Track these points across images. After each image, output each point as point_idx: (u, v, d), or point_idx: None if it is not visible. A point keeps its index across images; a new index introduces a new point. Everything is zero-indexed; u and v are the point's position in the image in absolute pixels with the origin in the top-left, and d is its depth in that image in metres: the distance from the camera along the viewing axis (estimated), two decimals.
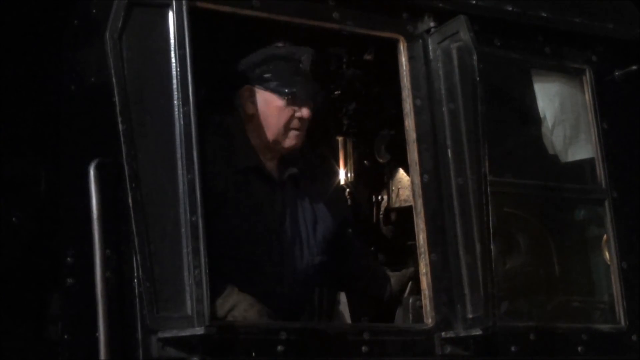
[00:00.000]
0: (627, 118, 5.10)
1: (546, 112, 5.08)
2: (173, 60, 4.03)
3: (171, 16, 4.04)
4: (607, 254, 4.98)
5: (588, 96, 5.05)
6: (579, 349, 4.75)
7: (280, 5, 4.37)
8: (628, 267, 4.91)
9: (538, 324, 4.73)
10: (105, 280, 3.86)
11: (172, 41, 4.03)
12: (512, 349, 4.58)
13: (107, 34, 3.95)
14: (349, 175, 6.02)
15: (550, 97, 5.08)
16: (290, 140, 4.67)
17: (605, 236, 5.00)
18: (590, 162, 5.03)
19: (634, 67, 5.14)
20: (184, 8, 4.04)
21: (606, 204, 4.97)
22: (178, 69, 4.02)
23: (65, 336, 3.84)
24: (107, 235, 3.89)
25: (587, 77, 5.04)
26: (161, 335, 3.92)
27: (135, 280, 3.93)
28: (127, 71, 3.96)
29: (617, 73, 5.12)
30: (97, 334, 3.83)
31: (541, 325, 4.73)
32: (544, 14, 4.95)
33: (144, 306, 3.90)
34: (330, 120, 5.98)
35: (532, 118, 5.05)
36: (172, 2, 4.04)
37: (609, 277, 4.96)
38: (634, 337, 4.89)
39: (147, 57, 4.01)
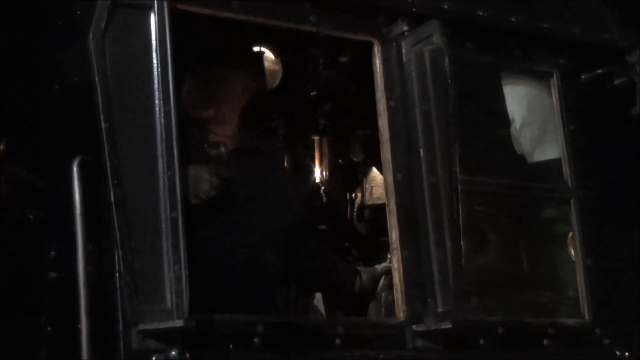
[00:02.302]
0: (593, 120, 5.12)
1: (515, 114, 5.10)
2: (154, 60, 4.01)
3: (153, 17, 4.03)
4: (572, 251, 4.99)
5: (555, 98, 5.05)
6: (545, 342, 4.76)
7: (258, 7, 4.35)
8: (593, 264, 4.93)
9: (506, 318, 4.73)
10: (87, 274, 3.84)
11: (153, 42, 4.02)
12: (481, 342, 4.58)
13: (91, 34, 3.94)
14: (324, 173, 6.04)
15: (519, 99, 5.10)
16: None
17: (571, 233, 5.00)
18: (557, 162, 5.04)
19: (600, 71, 5.15)
20: (165, 10, 4.03)
21: (572, 202, 4.98)
22: (159, 69, 4.01)
23: (48, 328, 3.82)
24: (89, 230, 3.87)
25: (555, 80, 5.04)
26: (141, 327, 3.90)
27: (117, 274, 3.91)
28: (110, 71, 3.95)
29: (583, 76, 5.13)
30: (79, 326, 3.81)
31: (509, 319, 4.73)
32: (513, 19, 4.96)
33: (125, 299, 3.89)
34: (306, 120, 6.00)
35: (501, 119, 5.06)
36: (154, 4, 4.03)
37: (574, 274, 4.96)
38: (597, 331, 4.90)
39: (129, 57, 4.00)
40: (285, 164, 6.08)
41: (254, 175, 4.78)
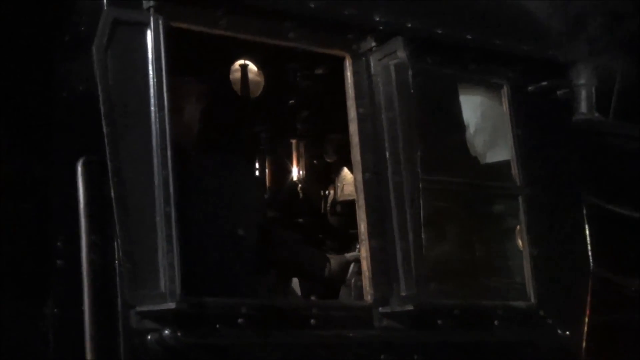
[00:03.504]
0: (538, 126, 5.13)
1: (470, 120, 5.10)
2: (151, 72, 4.00)
3: (149, 34, 4.02)
4: (520, 242, 5.01)
5: (505, 107, 5.06)
6: (496, 322, 4.78)
7: (244, 25, 4.35)
8: (537, 253, 4.95)
9: (461, 301, 4.75)
10: (90, 262, 3.84)
11: (150, 55, 4.01)
12: (439, 322, 4.60)
13: (94, 48, 3.92)
14: (301, 172, 6.04)
15: (473, 108, 5.10)
16: None
17: (518, 227, 5.02)
18: (506, 163, 5.05)
19: (545, 83, 5.17)
20: (161, 27, 4.02)
21: (520, 199, 4.99)
22: (155, 79, 4.00)
23: (55, 310, 3.82)
24: (92, 223, 3.87)
25: (505, 91, 5.05)
26: (138, 309, 3.91)
27: (117, 262, 3.91)
28: (111, 81, 3.94)
29: (530, 88, 5.14)
30: (82, 308, 3.82)
31: (464, 302, 4.75)
32: (469, 37, 4.96)
33: (124, 284, 3.89)
34: (285, 125, 5.99)
35: (458, 125, 5.06)
36: (150, 22, 4.02)
37: (521, 261, 4.98)
38: (542, 313, 4.92)
39: (128, 69, 3.99)
40: (266, 163, 6.09)
41: (229, 174, 4.77)
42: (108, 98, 3.92)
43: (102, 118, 3.90)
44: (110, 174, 3.90)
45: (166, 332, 3.93)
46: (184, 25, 4.20)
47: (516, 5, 5.42)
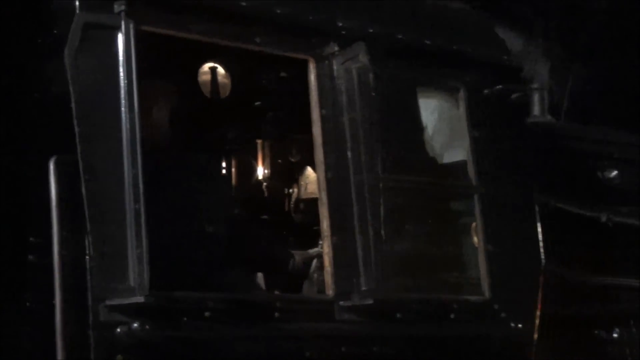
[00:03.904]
0: (493, 128, 5.15)
1: (428, 122, 5.12)
2: (121, 74, 4.00)
3: (120, 37, 4.01)
4: (475, 239, 5.03)
5: (462, 109, 5.09)
6: (452, 315, 4.80)
7: (212, 30, 4.35)
8: (492, 249, 4.97)
9: (419, 295, 4.77)
10: (61, 256, 3.83)
11: (121, 58, 4.00)
12: (398, 315, 4.62)
13: (66, 51, 3.91)
14: (266, 171, 6.03)
15: (431, 110, 5.12)
16: None
17: (474, 224, 5.04)
18: (463, 163, 5.07)
19: (500, 87, 5.20)
20: (131, 31, 4.02)
21: (475, 197, 5.02)
22: (126, 82, 3.99)
23: (28, 303, 3.81)
24: (64, 219, 3.86)
25: (462, 94, 5.07)
26: (108, 303, 3.90)
27: (87, 257, 3.90)
28: (83, 82, 3.93)
29: (485, 91, 5.17)
30: (54, 301, 3.81)
31: (421, 296, 4.77)
32: (428, 42, 4.99)
33: (94, 278, 3.88)
34: (251, 126, 5.99)
35: (416, 126, 5.08)
36: (121, 26, 4.01)
37: (476, 257, 5.00)
38: (495, 306, 4.95)
39: (100, 71, 3.99)
40: (233, 162, 6.08)
41: (197, 173, 4.76)
42: (80, 99, 3.91)
43: (74, 118, 3.89)
44: (81, 172, 3.89)
45: (135, 325, 3.92)
46: (154, 29, 4.19)
47: (473, 12, 5.46)
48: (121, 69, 4.00)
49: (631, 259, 6.16)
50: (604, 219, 6.02)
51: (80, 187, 3.88)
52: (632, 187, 6.41)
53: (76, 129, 3.89)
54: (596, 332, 5.89)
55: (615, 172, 6.36)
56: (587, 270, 5.89)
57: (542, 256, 5.18)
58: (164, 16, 4.21)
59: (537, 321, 5.05)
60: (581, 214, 5.97)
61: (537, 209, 5.27)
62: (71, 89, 3.91)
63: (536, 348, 5.03)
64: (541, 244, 5.20)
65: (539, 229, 5.23)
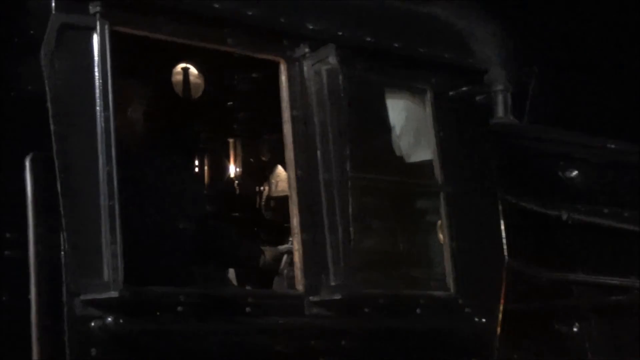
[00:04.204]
0: (458, 129, 5.17)
1: (395, 123, 5.13)
2: (96, 74, 3.98)
3: (95, 38, 4.00)
4: (441, 236, 5.04)
5: (428, 110, 5.09)
6: (418, 310, 4.81)
7: (185, 31, 4.34)
8: (456, 246, 4.99)
9: (386, 290, 4.78)
10: (37, 252, 3.81)
11: (96, 58, 3.99)
12: (366, 310, 4.62)
13: (42, 51, 3.88)
14: (237, 170, 6.03)
15: (398, 111, 5.13)
16: None
17: (440, 221, 5.05)
18: (429, 162, 5.08)
19: (465, 89, 5.22)
20: (106, 31, 4.00)
21: (441, 196, 5.03)
22: (100, 81, 3.98)
23: (4, 297, 3.79)
24: (39, 215, 3.84)
25: (428, 95, 5.08)
26: (83, 297, 3.88)
27: (62, 253, 3.88)
28: (59, 81, 3.90)
29: (451, 93, 5.18)
30: (29, 296, 3.79)
31: (388, 291, 4.78)
32: (396, 45, 5.00)
33: (69, 273, 3.87)
34: (223, 125, 5.98)
35: (384, 127, 5.10)
36: (96, 26, 4.00)
37: (442, 254, 5.01)
38: (460, 302, 4.96)
39: (75, 71, 3.96)
40: (205, 161, 6.07)
41: (170, 171, 4.75)
42: (55, 98, 3.88)
43: (50, 117, 3.87)
44: (57, 170, 3.86)
45: (109, 319, 3.92)
46: (129, 30, 4.18)
47: (439, 17, 5.48)
48: (96, 69, 3.98)
49: (590, 256, 6.21)
50: (564, 217, 6.07)
51: (56, 184, 3.86)
52: (591, 187, 6.46)
53: (52, 127, 3.86)
54: (557, 326, 5.93)
55: (575, 172, 6.41)
56: (549, 267, 5.93)
57: (505, 253, 5.19)
58: (138, 17, 4.19)
59: (500, 316, 5.06)
60: (542, 212, 6.01)
61: (500, 207, 5.29)
62: (47, 88, 3.88)
63: (499, 342, 5.04)
64: (504, 241, 5.22)
65: (502, 227, 5.25)
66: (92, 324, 3.91)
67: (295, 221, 4.56)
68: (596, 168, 6.59)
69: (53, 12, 3.96)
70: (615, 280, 6.24)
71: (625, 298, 6.26)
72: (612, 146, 6.89)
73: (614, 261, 6.31)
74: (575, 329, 5.97)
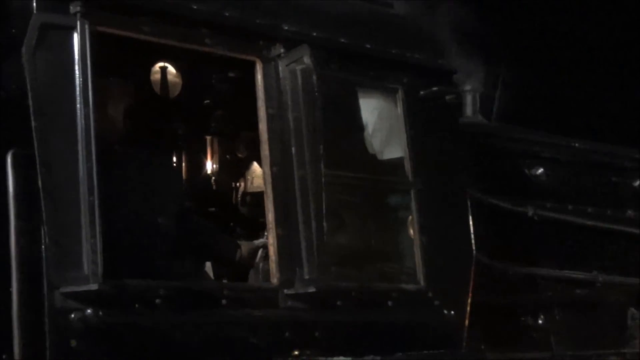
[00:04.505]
0: (429, 127, 5.18)
1: (368, 121, 5.14)
2: (77, 72, 3.97)
3: (76, 37, 3.99)
4: (411, 231, 5.06)
5: (400, 109, 5.11)
6: (389, 303, 4.83)
7: (164, 31, 4.34)
8: (427, 241, 5.01)
9: (358, 284, 4.80)
10: (18, 246, 3.80)
11: (76, 57, 3.98)
12: (338, 303, 4.64)
13: (24, 49, 3.88)
14: (214, 166, 6.03)
15: (371, 109, 5.14)
16: None
17: (410, 217, 5.07)
18: (400, 160, 5.09)
19: (435, 88, 5.23)
20: (87, 31, 3.99)
21: (412, 192, 5.04)
22: (81, 79, 3.97)
23: None
24: (21, 210, 3.83)
25: (400, 94, 5.09)
26: (63, 290, 3.88)
27: (43, 247, 3.87)
28: (40, 79, 3.89)
29: (422, 92, 5.19)
30: (11, 289, 3.78)
31: (361, 285, 4.80)
32: (368, 46, 5.01)
33: (50, 267, 3.86)
34: (200, 123, 5.97)
35: (357, 125, 5.10)
36: (77, 26, 3.99)
37: (412, 249, 5.03)
38: (430, 294, 4.98)
39: (56, 69, 3.95)
40: (183, 158, 6.06)
41: (148, 167, 4.75)
42: (37, 95, 3.88)
43: (31, 114, 3.86)
44: (38, 165, 3.85)
45: (88, 311, 3.91)
46: (109, 30, 4.17)
47: (411, 18, 5.50)
48: (76, 67, 3.97)
49: (555, 251, 6.26)
50: (530, 213, 6.12)
51: (37, 180, 3.85)
52: (557, 184, 6.51)
53: (33, 124, 3.85)
54: (522, 318, 5.97)
55: (541, 170, 6.46)
56: (515, 261, 5.97)
57: (474, 248, 5.22)
58: (117, 17, 4.18)
59: (468, 308, 5.09)
60: (509, 209, 6.05)
61: (469, 203, 5.31)
62: (28, 85, 3.87)
63: (467, 333, 5.07)
64: (472, 236, 5.25)
65: (471, 223, 5.27)
66: (72, 315, 3.89)
67: (270, 216, 4.56)
68: (561, 166, 6.65)
69: (34, 11, 3.95)
70: (579, 275, 6.30)
71: (588, 292, 6.32)
72: (577, 145, 6.95)
73: (578, 256, 6.36)
74: (540, 321, 6.02)
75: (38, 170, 3.85)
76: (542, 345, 5.97)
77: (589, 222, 6.45)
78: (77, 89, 3.97)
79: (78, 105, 3.96)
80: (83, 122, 3.95)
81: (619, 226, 6.64)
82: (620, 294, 6.49)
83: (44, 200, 3.85)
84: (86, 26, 3.99)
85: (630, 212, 6.81)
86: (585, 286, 6.33)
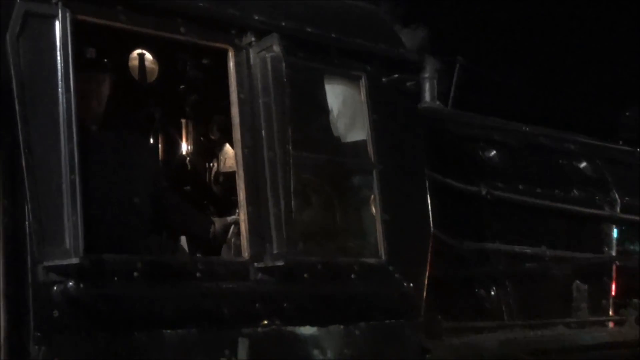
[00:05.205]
0: (390, 112, 5.18)
1: (333, 106, 5.13)
2: (59, 58, 3.94)
3: (57, 25, 3.96)
4: (373, 209, 5.07)
5: (363, 95, 5.10)
6: (352, 276, 4.85)
7: (141, 20, 4.32)
8: (388, 218, 5.03)
9: (324, 258, 4.79)
10: (3, 223, 3.78)
11: (58, 44, 3.95)
12: (305, 275, 4.65)
13: (8, 37, 3.84)
14: (189, 148, 6.01)
15: (336, 95, 5.13)
16: None
17: (372, 196, 5.08)
18: (363, 143, 5.10)
19: (396, 76, 5.23)
20: (68, 19, 3.96)
21: (374, 173, 5.05)
22: (62, 65, 3.94)
23: None
24: (6, 189, 3.81)
25: (363, 81, 5.09)
26: (46, 264, 3.86)
27: (27, 223, 3.85)
28: (23, 66, 3.86)
29: (384, 79, 5.19)
30: None
31: (326, 259, 4.80)
32: (333, 35, 5.00)
33: (33, 242, 3.84)
34: (176, 107, 5.95)
35: (323, 110, 5.09)
36: (59, 15, 3.96)
37: (374, 225, 5.04)
38: (390, 268, 5.01)
39: (38, 56, 3.92)
40: (159, 139, 6.03)
41: (127, 148, 4.73)
42: (20, 80, 3.85)
43: (15, 97, 3.83)
44: (21, 146, 3.83)
45: (70, 284, 3.90)
46: (89, 18, 4.14)
47: (374, 11, 5.50)
48: (58, 54, 3.94)
49: (506, 228, 6.32)
50: (483, 192, 6.17)
51: (21, 160, 3.83)
52: (508, 166, 6.57)
53: (16, 107, 3.83)
54: (476, 290, 6.04)
55: (493, 152, 6.52)
56: (469, 237, 6.03)
57: (431, 225, 5.25)
58: (97, 7, 4.15)
59: (426, 281, 5.12)
60: (464, 189, 6.10)
61: (427, 184, 5.34)
62: (12, 71, 3.84)
63: (425, 304, 5.11)
64: (430, 214, 5.27)
65: (429, 202, 5.30)
66: (55, 288, 3.89)
67: (241, 195, 4.57)
68: (513, 149, 6.71)
69: (18, 0, 3.90)
70: (528, 250, 6.37)
71: (537, 266, 6.39)
72: (527, 130, 7.02)
73: (528, 233, 6.43)
74: (492, 293, 6.09)
75: (22, 151, 3.83)
76: (495, 315, 6.04)
77: (538, 201, 6.52)
78: (59, 74, 3.94)
79: (60, 90, 3.93)
80: (64, 105, 3.93)
81: (566, 205, 6.72)
82: (567, 267, 6.56)
83: (27, 179, 3.83)
84: (67, 15, 3.97)
85: (575, 192, 6.89)
86: (534, 260, 6.40)
